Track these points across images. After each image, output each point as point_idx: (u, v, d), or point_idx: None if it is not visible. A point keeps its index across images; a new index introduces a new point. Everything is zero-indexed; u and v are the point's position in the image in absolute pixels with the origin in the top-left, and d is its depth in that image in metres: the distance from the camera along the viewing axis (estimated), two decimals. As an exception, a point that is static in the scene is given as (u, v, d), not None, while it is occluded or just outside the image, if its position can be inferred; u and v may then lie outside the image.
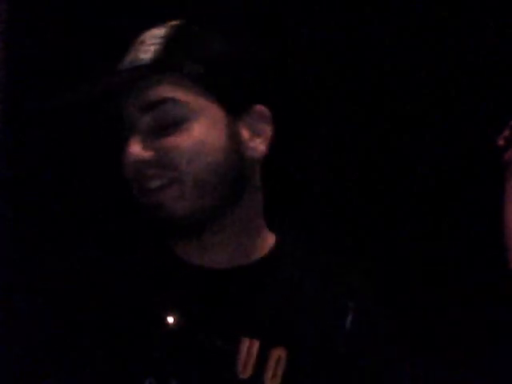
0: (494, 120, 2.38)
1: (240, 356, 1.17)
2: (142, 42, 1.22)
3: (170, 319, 1.21)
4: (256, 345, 1.18)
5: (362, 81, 2.50)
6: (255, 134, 1.22)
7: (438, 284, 2.41)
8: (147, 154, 1.16)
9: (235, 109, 1.21)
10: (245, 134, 1.21)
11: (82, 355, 1.23)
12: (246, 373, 1.16)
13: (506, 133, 1.38)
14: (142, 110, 1.17)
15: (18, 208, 2.18)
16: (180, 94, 1.18)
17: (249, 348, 1.18)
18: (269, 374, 1.17)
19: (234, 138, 1.20)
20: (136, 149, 1.17)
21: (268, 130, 1.22)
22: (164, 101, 1.17)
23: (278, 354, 1.18)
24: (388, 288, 2.18)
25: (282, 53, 2.36)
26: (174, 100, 1.17)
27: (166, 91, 1.17)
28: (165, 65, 1.18)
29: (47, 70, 2.27)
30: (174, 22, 1.24)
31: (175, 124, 1.17)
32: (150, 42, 1.21)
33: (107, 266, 1.31)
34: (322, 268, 1.27)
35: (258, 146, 1.22)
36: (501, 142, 1.40)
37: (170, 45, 1.20)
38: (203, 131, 1.18)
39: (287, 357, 1.17)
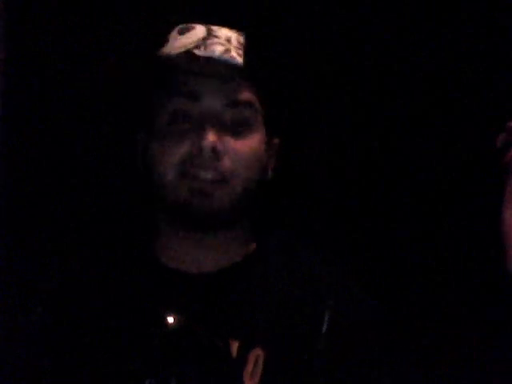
0: (494, 120, 2.37)
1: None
2: (229, 41, 1.25)
3: (170, 320, 1.21)
4: (235, 345, 1.19)
5: (361, 81, 2.50)
6: (269, 160, 1.31)
7: (438, 284, 2.41)
8: (219, 147, 1.21)
9: (270, 134, 1.30)
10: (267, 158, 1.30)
11: (82, 356, 1.23)
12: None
13: (505, 135, 1.38)
14: (226, 105, 1.23)
15: (12, 210, 2.18)
16: (256, 103, 1.25)
17: (228, 348, 1.20)
18: (248, 372, 1.18)
19: (266, 158, 1.28)
20: (214, 138, 1.22)
21: (274, 160, 1.32)
22: (246, 103, 1.24)
23: (257, 353, 1.19)
24: (387, 288, 2.18)
25: (281, 52, 2.36)
26: (252, 105, 1.25)
27: (249, 95, 1.25)
28: (255, 74, 1.25)
29: (48, 70, 2.27)
30: (251, 31, 1.29)
31: (245, 127, 1.24)
32: (238, 45, 1.26)
33: (107, 267, 1.31)
34: (301, 269, 1.28)
35: (270, 171, 1.31)
36: (499, 144, 1.40)
37: (255, 56, 1.27)
38: (259, 143, 1.26)
39: (265, 357, 1.19)
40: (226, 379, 1.18)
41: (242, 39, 1.27)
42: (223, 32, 1.27)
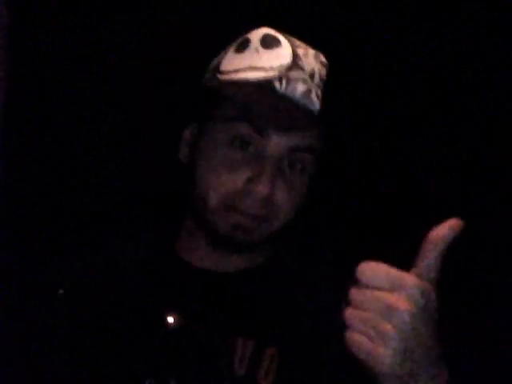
0: (494, 120, 2.37)
1: (235, 355, 1.18)
2: (312, 76, 1.20)
3: (170, 319, 1.21)
4: (250, 345, 1.19)
5: (361, 81, 2.50)
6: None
7: (438, 286, 2.41)
8: (272, 192, 1.17)
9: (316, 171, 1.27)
10: None
11: (83, 355, 1.23)
12: (240, 370, 1.17)
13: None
14: (290, 148, 1.18)
15: (18, 207, 2.18)
16: (318, 148, 1.21)
17: (243, 347, 1.19)
18: (262, 371, 1.18)
19: (307, 193, 1.25)
20: (271, 184, 1.17)
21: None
22: (310, 149, 1.20)
23: (271, 353, 1.19)
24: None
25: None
26: (314, 151, 1.20)
27: (314, 142, 1.20)
28: (324, 122, 1.20)
29: (48, 71, 2.27)
30: (326, 62, 1.24)
31: (301, 170, 1.21)
32: (319, 83, 1.21)
33: (108, 267, 1.31)
34: (317, 272, 1.28)
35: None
36: None
37: (327, 100, 1.22)
38: (308, 184, 1.23)
39: (279, 356, 1.19)
40: (224, 378, 1.18)
41: (324, 73, 1.22)
42: (309, 61, 1.21)
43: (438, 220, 1.05)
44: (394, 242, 2.44)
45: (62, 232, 2.21)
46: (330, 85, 1.24)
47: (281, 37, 1.23)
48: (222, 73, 1.22)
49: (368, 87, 2.51)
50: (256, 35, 1.24)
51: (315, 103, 1.19)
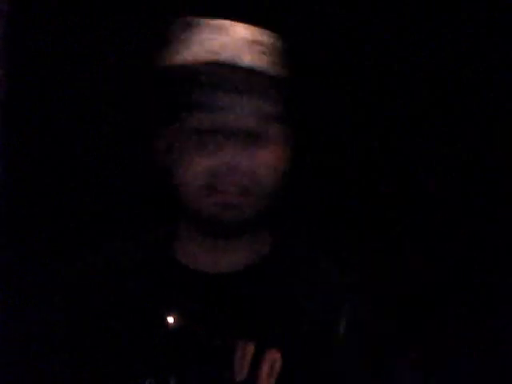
0: (494, 120, 2.37)
1: (236, 357, 1.18)
2: (260, 43, 1.22)
3: (170, 320, 1.21)
4: (251, 346, 1.18)
5: (361, 81, 2.50)
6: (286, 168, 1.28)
7: (439, 286, 2.41)
8: (244, 161, 1.18)
9: (288, 143, 1.27)
10: None
11: (83, 356, 1.23)
12: (241, 374, 1.17)
13: None
14: (255, 117, 1.20)
15: (18, 207, 2.18)
16: (282, 115, 1.22)
17: (244, 349, 1.19)
18: (264, 371, 1.17)
19: (285, 166, 1.25)
20: (240, 154, 1.19)
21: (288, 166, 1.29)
22: (274, 117, 1.21)
23: (273, 355, 1.19)
24: (388, 289, 2.18)
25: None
26: (279, 118, 1.21)
27: (278, 108, 1.22)
28: (283, 86, 1.21)
29: (48, 71, 2.27)
30: (271, 33, 1.26)
31: (270, 139, 1.21)
32: (268, 50, 1.23)
33: (108, 267, 1.31)
34: (317, 272, 1.27)
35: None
36: None
37: (281, 63, 1.24)
38: (281, 154, 1.23)
39: (282, 359, 1.18)
40: (224, 379, 1.18)
41: (281, 45, 1.24)
42: (265, 37, 1.23)
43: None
44: (393, 242, 2.44)
45: (62, 232, 2.21)
46: (290, 56, 1.26)
47: (232, 22, 1.25)
48: (178, 65, 1.23)
49: (368, 87, 2.51)
50: (206, 25, 1.26)
51: (275, 71, 1.21)
